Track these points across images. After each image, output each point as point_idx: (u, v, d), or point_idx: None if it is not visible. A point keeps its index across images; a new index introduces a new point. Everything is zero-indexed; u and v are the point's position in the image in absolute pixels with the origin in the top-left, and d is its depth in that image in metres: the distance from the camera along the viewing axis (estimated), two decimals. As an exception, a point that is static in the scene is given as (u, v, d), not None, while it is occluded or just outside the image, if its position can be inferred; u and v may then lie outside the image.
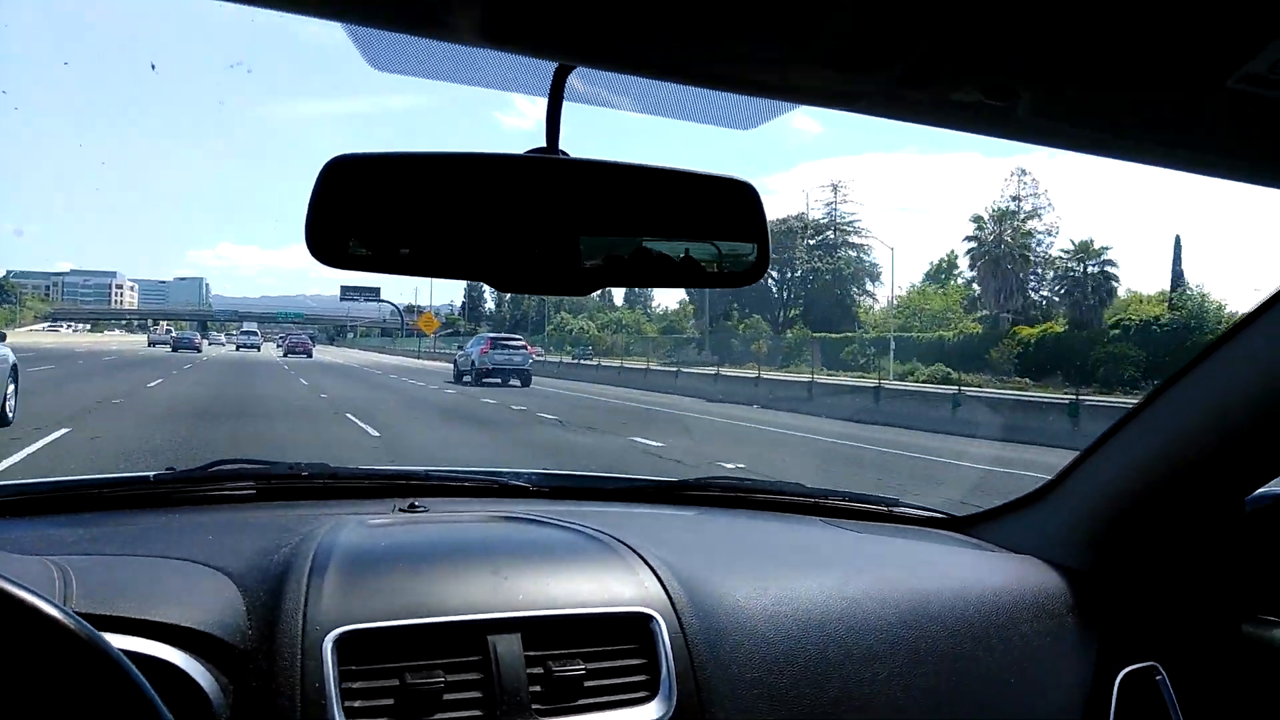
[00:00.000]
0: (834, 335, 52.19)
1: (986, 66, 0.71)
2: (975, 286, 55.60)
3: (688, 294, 76.87)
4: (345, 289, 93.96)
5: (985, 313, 51.76)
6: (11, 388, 11.39)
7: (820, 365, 41.05)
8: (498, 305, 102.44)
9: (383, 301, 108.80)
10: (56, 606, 0.77)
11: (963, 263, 56.94)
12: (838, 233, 70.00)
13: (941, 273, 65.82)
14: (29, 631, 0.76)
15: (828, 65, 0.70)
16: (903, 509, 1.98)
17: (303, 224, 0.91)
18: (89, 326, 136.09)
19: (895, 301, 57.47)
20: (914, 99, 0.75)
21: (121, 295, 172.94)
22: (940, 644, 1.41)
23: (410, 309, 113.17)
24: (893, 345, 42.72)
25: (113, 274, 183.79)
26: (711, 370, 32.99)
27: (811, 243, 70.19)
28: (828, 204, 70.85)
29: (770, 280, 70.52)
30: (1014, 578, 1.57)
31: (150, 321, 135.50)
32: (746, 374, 32.09)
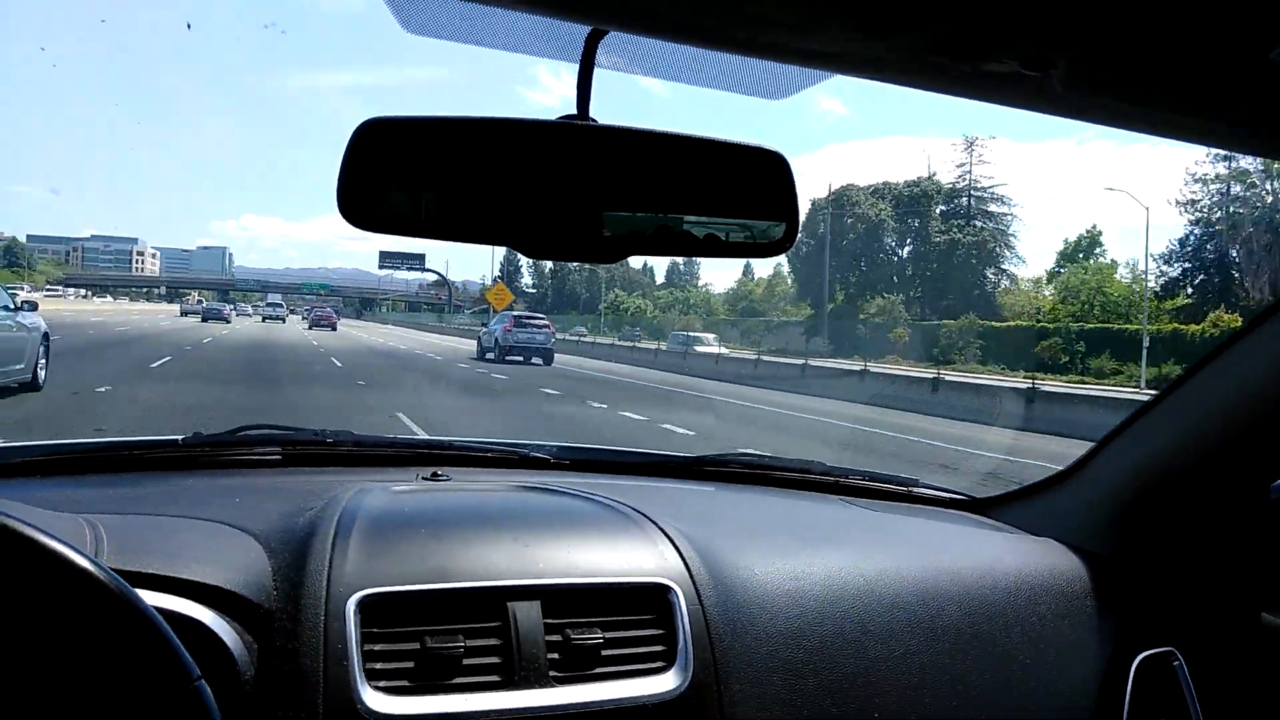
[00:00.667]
0: (998, 323, 45.99)
1: (1022, 34, 0.69)
2: (1164, 268, 48.29)
3: (789, 267, 72.68)
4: (384, 254, 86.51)
5: (1188, 301, 44.36)
6: (42, 352, 11.88)
7: (994, 363, 35.50)
8: (538, 281, 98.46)
9: (427, 270, 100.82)
10: (90, 559, 0.79)
11: (1158, 239, 51.43)
12: (973, 200, 63.04)
13: (1080, 251, 59.62)
14: (64, 583, 0.78)
15: (858, 29, 0.69)
16: (922, 489, 1.98)
17: (333, 189, 0.91)
18: (108, 294, 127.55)
19: (1142, 283, 45.12)
20: (947, 68, 0.74)
21: (143, 262, 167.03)
22: (957, 623, 1.41)
23: (440, 282, 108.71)
24: (1146, 344, 33.69)
25: (134, 240, 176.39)
26: (852, 365, 27.75)
27: (942, 208, 63.66)
28: (959, 165, 64.02)
29: (893, 253, 65.23)
30: (1033, 560, 1.57)
31: (177, 291, 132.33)
32: (916, 372, 26.05)
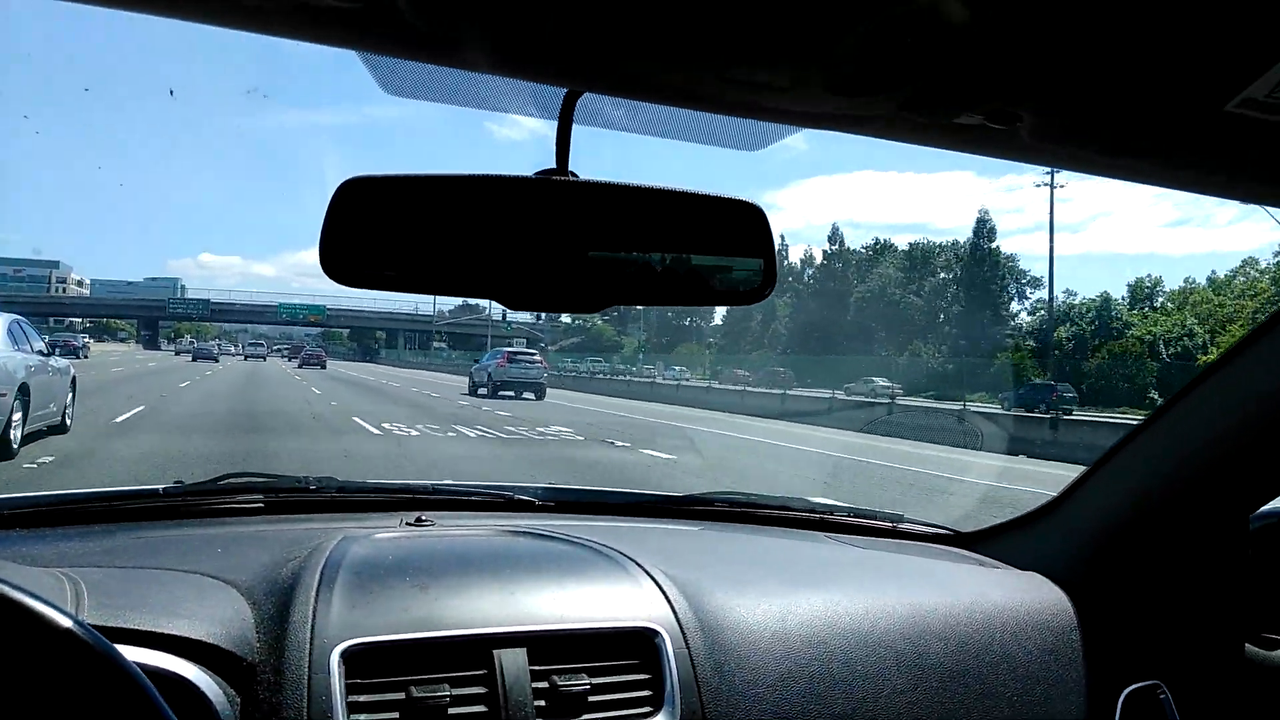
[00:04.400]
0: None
1: (989, 92, 0.72)
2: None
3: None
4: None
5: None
6: (70, 397, 12.08)
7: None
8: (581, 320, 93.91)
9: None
10: (70, 617, 0.78)
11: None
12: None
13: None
14: (43, 642, 0.77)
15: (833, 91, 0.71)
16: (907, 525, 1.99)
17: (297, 228, 0.92)
18: None
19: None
20: (918, 123, 0.77)
21: (65, 290, 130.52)
22: (944, 661, 1.41)
23: (466, 309, 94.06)
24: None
25: (53, 264, 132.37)
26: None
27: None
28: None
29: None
30: (1018, 594, 1.57)
31: (157, 331, 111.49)
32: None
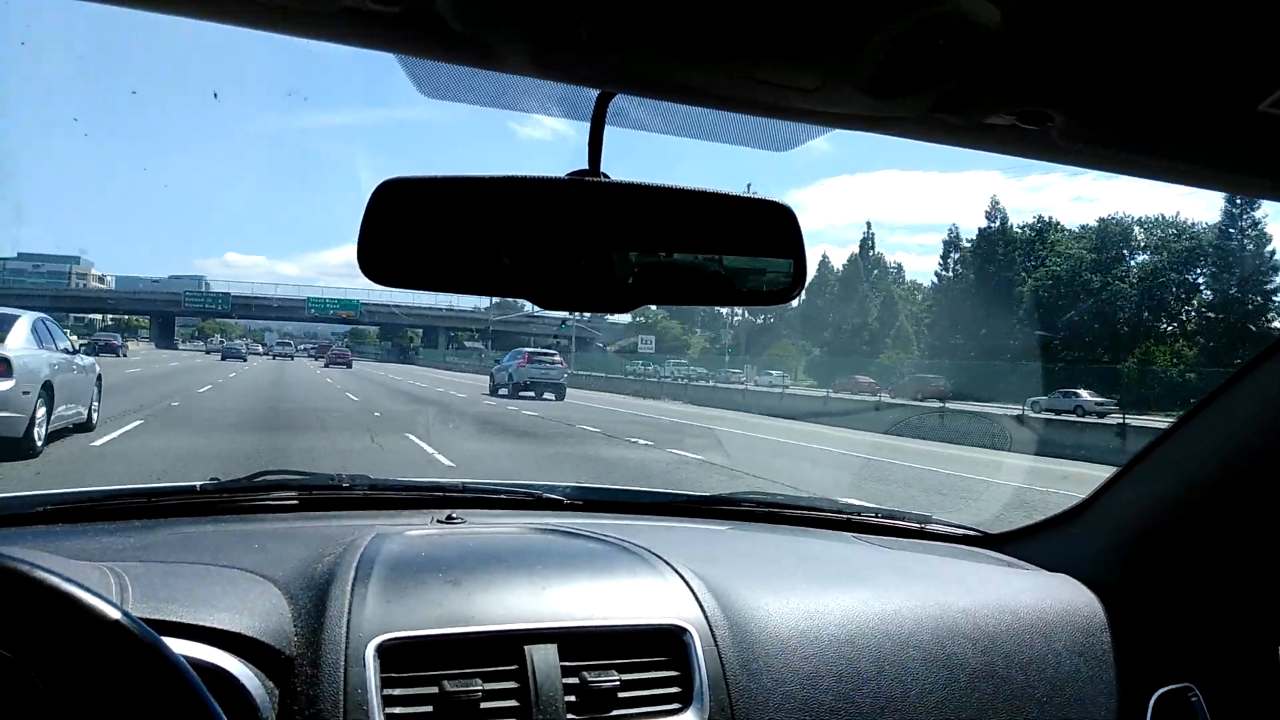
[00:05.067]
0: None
1: (1019, 93, 0.72)
2: None
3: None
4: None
5: None
6: (96, 395, 12.21)
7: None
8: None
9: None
10: (118, 608, 0.80)
11: None
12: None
13: None
14: (93, 633, 0.79)
15: (863, 91, 0.71)
16: (935, 526, 1.98)
17: (324, 228, 0.90)
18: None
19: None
20: (948, 123, 0.77)
21: (85, 285, 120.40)
22: (973, 661, 1.41)
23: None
24: None
25: (74, 259, 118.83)
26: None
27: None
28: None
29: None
30: (1047, 595, 1.57)
31: (173, 327, 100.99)
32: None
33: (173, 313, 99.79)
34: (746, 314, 73.02)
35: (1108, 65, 0.68)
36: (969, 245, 67.93)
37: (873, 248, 79.09)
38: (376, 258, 0.95)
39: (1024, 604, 1.52)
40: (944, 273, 70.22)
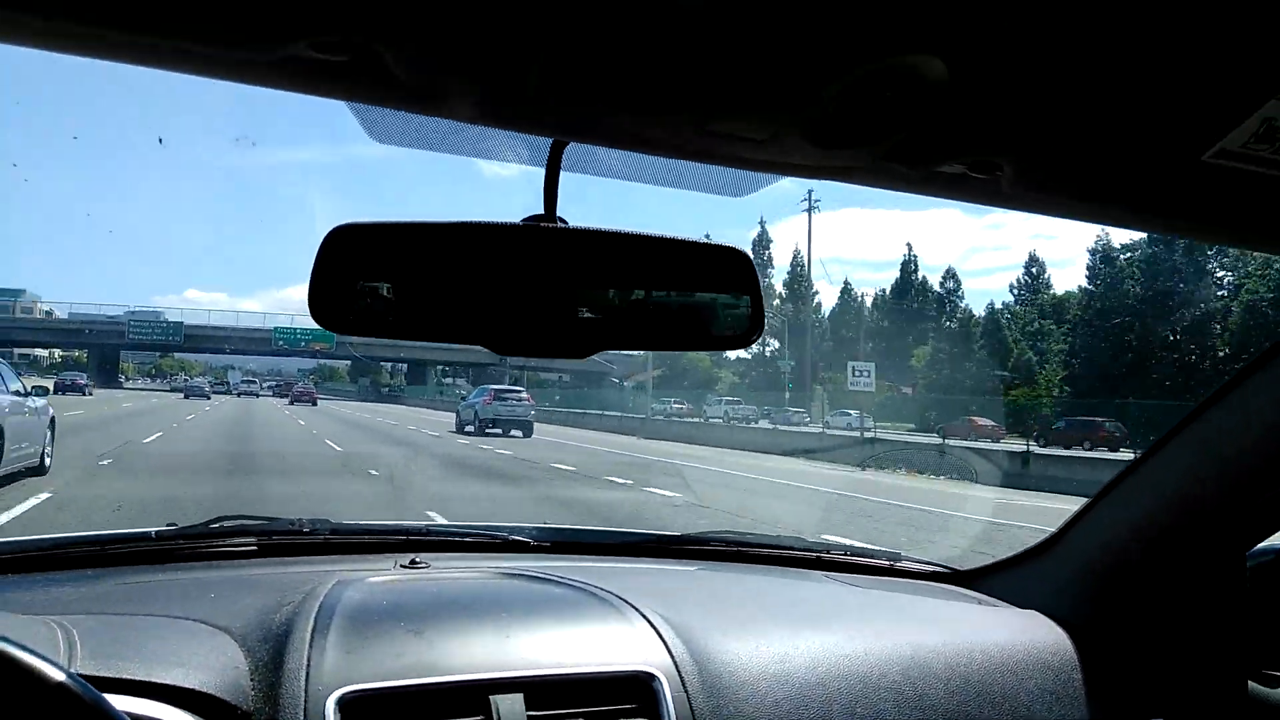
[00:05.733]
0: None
1: (968, 144, 0.73)
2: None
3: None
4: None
5: None
6: (50, 439, 12.02)
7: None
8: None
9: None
10: (61, 669, 0.78)
11: None
12: None
13: None
14: (34, 695, 0.76)
15: (815, 144, 0.72)
16: (905, 563, 1.98)
17: (283, 265, 0.92)
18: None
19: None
20: (899, 172, 0.78)
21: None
22: (945, 702, 1.40)
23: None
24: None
25: (18, 292, 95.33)
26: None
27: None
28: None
29: None
30: (1017, 633, 1.56)
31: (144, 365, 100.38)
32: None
33: (116, 345, 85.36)
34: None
35: (1055, 117, 0.69)
36: (1126, 258, 54.98)
37: (915, 271, 69.89)
38: (329, 305, 0.94)
39: (994, 643, 1.52)
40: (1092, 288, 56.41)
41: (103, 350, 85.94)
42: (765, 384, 62.64)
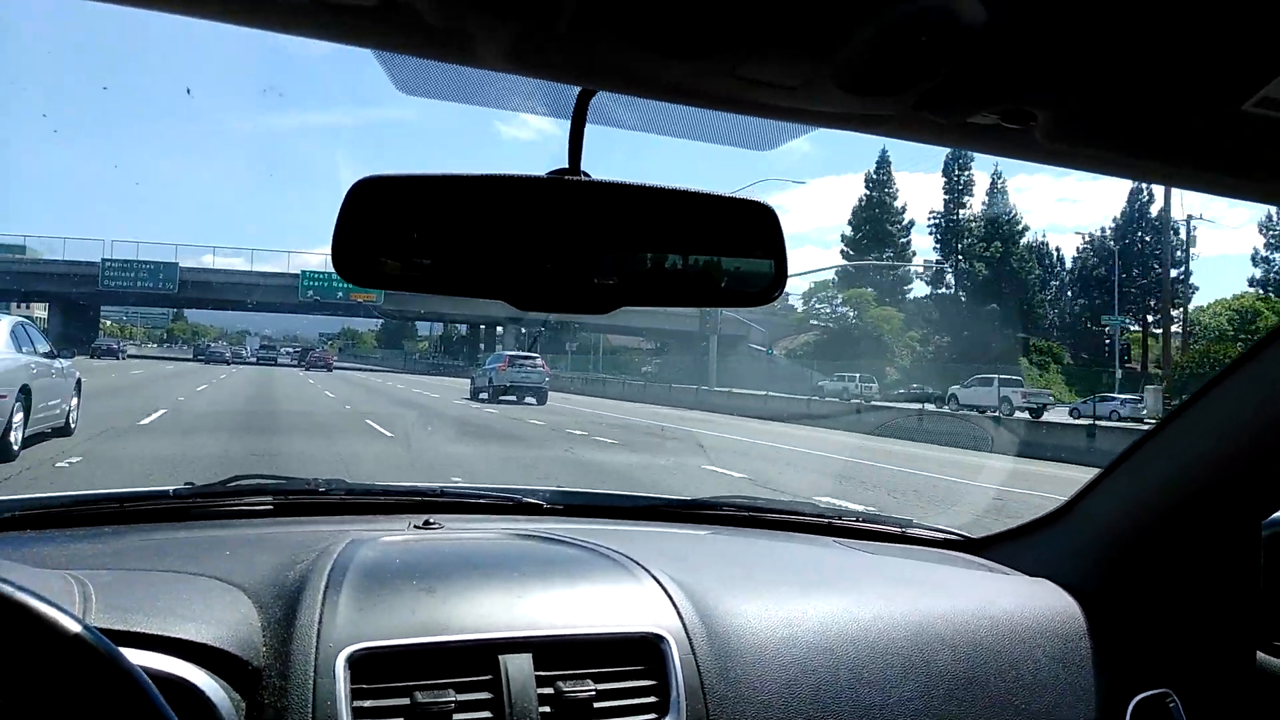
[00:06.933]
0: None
1: (1002, 92, 0.72)
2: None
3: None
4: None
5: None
6: (75, 400, 12.29)
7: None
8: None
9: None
10: (77, 620, 0.78)
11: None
12: None
13: None
14: (51, 647, 0.77)
15: (846, 90, 0.71)
16: (916, 530, 1.98)
17: (303, 229, 0.89)
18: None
19: None
20: (931, 122, 0.76)
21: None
22: (952, 668, 1.40)
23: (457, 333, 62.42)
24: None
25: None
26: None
27: None
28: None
29: None
30: (1027, 601, 1.57)
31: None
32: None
33: (87, 295, 60.28)
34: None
35: (1091, 65, 0.68)
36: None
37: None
38: (351, 257, 0.94)
39: (1003, 609, 1.52)
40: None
41: (67, 303, 64.41)
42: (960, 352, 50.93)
